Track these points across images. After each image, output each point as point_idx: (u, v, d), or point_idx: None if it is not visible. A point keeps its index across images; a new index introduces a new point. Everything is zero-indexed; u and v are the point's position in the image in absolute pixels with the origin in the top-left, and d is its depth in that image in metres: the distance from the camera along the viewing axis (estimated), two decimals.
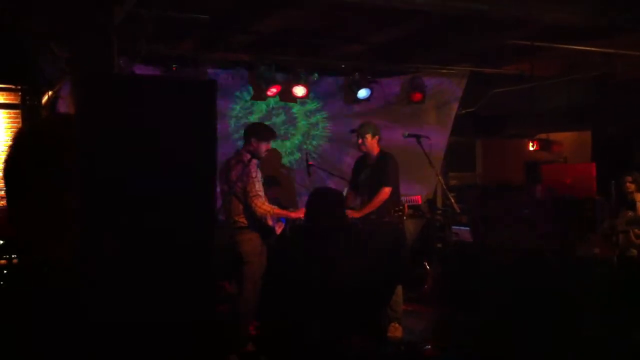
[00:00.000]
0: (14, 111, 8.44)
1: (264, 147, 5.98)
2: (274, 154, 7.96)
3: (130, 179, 4.18)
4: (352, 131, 6.60)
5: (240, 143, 8.42)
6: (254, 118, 8.49)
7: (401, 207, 6.06)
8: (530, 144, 11.62)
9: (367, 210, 6.16)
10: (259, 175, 5.83)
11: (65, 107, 7.44)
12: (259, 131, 6.06)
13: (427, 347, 5.49)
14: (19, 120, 8.45)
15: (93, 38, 6.05)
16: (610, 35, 6.82)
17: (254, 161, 5.82)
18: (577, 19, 6.11)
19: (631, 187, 6.71)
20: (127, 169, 4.21)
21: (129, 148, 4.25)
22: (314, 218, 4.13)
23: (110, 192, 4.13)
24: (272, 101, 8.66)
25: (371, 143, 6.46)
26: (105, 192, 4.12)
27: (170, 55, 7.49)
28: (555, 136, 11.61)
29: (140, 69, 6.95)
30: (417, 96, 8.75)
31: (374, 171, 6.41)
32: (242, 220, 5.73)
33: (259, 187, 5.71)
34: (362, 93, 8.59)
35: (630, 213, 6.65)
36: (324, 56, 8.01)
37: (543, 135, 11.62)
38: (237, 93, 8.56)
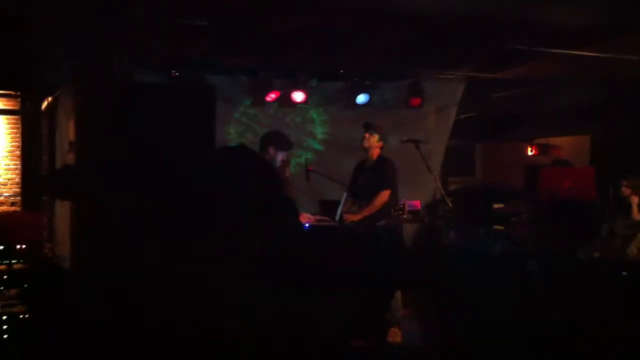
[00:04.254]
0: (14, 117, 8.48)
1: (280, 156, 5.99)
2: None
3: (128, 184, 4.22)
4: (365, 124, 6.58)
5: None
6: (254, 124, 8.53)
7: (401, 207, 6.05)
8: (529, 148, 11.65)
9: (366, 213, 6.17)
10: None
11: (64, 113, 7.47)
12: (278, 140, 6.05)
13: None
14: (19, 126, 8.48)
15: (95, 44, 6.07)
16: (609, 38, 6.83)
17: None
18: (576, 22, 6.12)
19: (627, 191, 6.75)
20: (127, 175, 4.25)
21: (128, 154, 4.30)
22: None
23: (109, 196, 4.14)
24: (271, 107, 8.68)
25: (374, 144, 6.49)
26: (105, 195, 4.13)
27: (170, 60, 7.51)
28: (554, 140, 11.63)
29: (141, 75, 6.96)
30: (416, 101, 8.78)
31: (373, 175, 6.43)
32: None
33: None
34: (361, 98, 8.62)
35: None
36: (323, 61, 8.01)
37: (542, 140, 11.65)
38: (237, 99, 8.58)
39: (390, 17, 6.10)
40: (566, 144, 11.54)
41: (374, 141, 6.48)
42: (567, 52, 7.15)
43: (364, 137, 6.50)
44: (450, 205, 6.27)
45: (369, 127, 6.52)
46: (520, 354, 3.96)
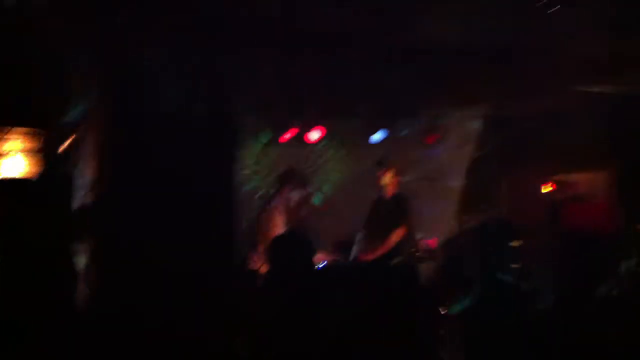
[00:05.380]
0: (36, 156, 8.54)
1: (297, 195, 5.99)
2: None
3: (149, 215, 4.29)
4: (378, 162, 6.62)
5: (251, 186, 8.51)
6: (268, 161, 8.56)
7: (416, 244, 6.03)
8: (547, 185, 11.55)
9: (380, 252, 6.15)
10: (283, 220, 5.82)
11: (85, 149, 7.53)
12: (294, 178, 6.07)
13: None
14: (42, 165, 8.55)
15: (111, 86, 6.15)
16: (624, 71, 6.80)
17: (279, 207, 5.83)
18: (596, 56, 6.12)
19: None
20: (147, 206, 4.33)
21: (151, 190, 4.40)
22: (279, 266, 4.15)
23: (131, 223, 4.23)
24: (288, 144, 8.70)
25: (391, 180, 6.50)
26: (127, 220, 4.23)
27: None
28: (572, 177, 11.52)
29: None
30: (433, 138, 8.79)
31: (389, 211, 6.42)
32: (263, 268, 5.66)
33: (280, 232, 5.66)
34: (377, 136, 8.63)
35: None
36: (339, 99, 8.02)
37: (559, 177, 11.55)
38: (254, 136, 8.63)
39: (405, 54, 6.12)
40: (585, 180, 11.44)
41: (389, 177, 6.49)
42: (583, 87, 7.13)
43: (378, 176, 6.52)
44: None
45: (382, 164, 6.54)
46: None
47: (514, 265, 6.25)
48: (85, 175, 7.60)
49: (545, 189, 11.49)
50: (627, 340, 5.02)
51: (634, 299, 6.39)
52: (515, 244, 6.82)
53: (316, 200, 8.51)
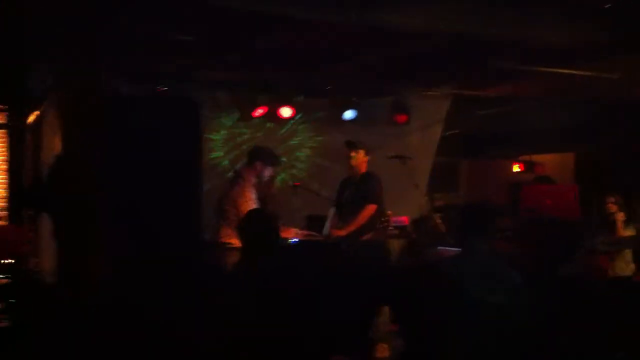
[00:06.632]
0: (0, 131, 8.44)
1: (267, 172, 5.98)
2: None
3: (118, 192, 4.25)
4: (348, 143, 6.62)
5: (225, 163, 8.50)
6: (240, 140, 8.54)
7: (386, 218, 6.06)
8: (515, 165, 11.72)
9: (351, 228, 6.17)
10: (254, 196, 5.81)
11: (50, 128, 7.44)
12: (265, 155, 6.05)
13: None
14: (5, 140, 8.45)
15: (80, 56, 6.07)
16: (596, 58, 6.89)
17: (250, 182, 5.82)
18: (563, 41, 6.18)
19: (613, 208, 6.76)
20: (115, 184, 4.28)
21: (115, 165, 4.35)
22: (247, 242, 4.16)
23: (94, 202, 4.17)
24: (258, 122, 8.69)
25: (362, 160, 6.52)
26: (91, 202, 4.17)
27: (157, 73, 7.50)
28: (538, 157, 11.70)
29: (127, 89, 6.95)
30: (402, 117, 8.83)
31: (358, 189, 6.45)
32: (234, 241, 5.64)
33: (252, 207, 5.63)
34: (349, 114, 8.66)
35: (626, 233, 6.69)
36: (310, 76, 8.03)
37: (526, 157, 11.72)
38: (224, 114, 8.60)
39: (376, 35, 6.14)
40: (550, 161, 11.62)
41: (360, 157, 6.51)
42: (552, 70, 7.20)
43: (349, 157, 6.53)
44: (439, 221, 6.30)
45: (353, 145, 6.55)
46: None
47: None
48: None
49: (514, 168, 11.67)
50: (588, 319, 5.12)
51: (595, 279, 6.52)
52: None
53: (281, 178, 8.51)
